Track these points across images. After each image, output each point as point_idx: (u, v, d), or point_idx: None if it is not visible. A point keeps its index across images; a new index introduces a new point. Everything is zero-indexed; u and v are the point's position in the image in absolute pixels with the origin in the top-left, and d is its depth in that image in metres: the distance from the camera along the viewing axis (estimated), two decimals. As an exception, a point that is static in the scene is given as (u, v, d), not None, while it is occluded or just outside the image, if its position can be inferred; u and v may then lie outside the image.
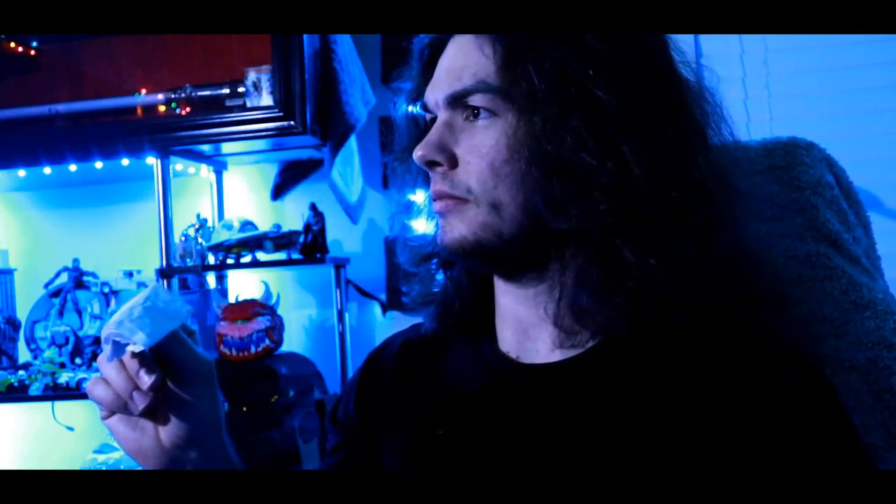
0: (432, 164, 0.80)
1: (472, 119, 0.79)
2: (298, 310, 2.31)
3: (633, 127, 0.75)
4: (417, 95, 0.88)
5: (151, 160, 2.06)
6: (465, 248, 0.79)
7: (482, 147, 0.78)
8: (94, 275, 2.31)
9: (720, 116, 0.81)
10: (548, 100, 0.75)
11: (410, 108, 0.90)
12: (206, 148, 2.15)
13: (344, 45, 2.05)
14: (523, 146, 0.76)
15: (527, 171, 0.76)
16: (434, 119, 0.83)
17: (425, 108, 0.84)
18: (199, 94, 2.18)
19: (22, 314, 2.38)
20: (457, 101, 0.80)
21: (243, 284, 2.29)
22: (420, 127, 0.89)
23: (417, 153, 0.80)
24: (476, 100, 0.78)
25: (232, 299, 2.20)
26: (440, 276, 0.91)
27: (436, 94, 0.82)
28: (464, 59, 0.80)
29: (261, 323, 2.03)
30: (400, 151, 0.92)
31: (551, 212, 0.76)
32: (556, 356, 0.80)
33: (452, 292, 0.88)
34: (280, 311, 2.10)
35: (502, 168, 0.77)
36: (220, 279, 2.31)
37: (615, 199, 0.74)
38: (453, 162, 0.79)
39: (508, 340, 0.85)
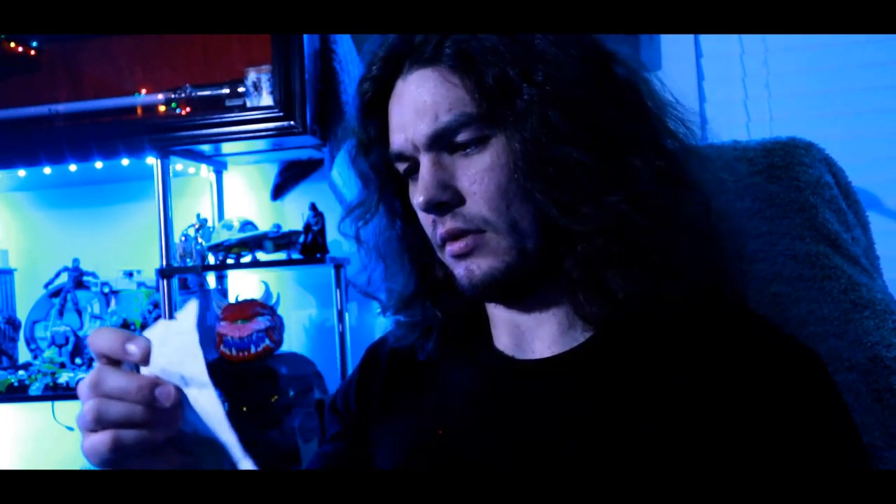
0: (440, 205, 0.78)
1: (461, 152, 0.78)
2: (298, 310, 2.31)
3: (609, 113, 0.76)
4: (371, 144, 0.85)
5: (151, 160, 2.06)
6: (497, 280, 0.78)
7: (484, 174, 0.77)
8: (94, 275, 2.31)
9: (669, 101, 0.82)
10: (528, 109, 0.75)
11: (363, 160, 0.87)
12: (206, 148, 2.15)
13: (344, 45, 2.04)
14: (521, 160, 0.76)
15: (532, 184, 0.76)
16: (410, 164, 0.81)
17: (398, 156, 0.81)
18: (199, 94, 2.17)
19: (22, 314, 2.38)
20: (439, 139, 0.78)
21: (243, 284, 2.29)
22: (382, 176, 0.86)
23: (420, 199, 0.78)
24: (464, 135, 0.77)
25: (232, 299, 2.20)
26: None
27: (411, 137, 0.79)
28: (431, 95, 0.77)
29: (261, 323, 2.03)
30: (361, 206, 0.89)
31: (566, 217, 0.75)
32: (552, 352, 0.81)
33: (448, 322, 0.87)
34: (280, 311, 2.10)
35: (509, 188, 0.76)
36: (220, 279, 2.31)
37: (625, 187, 0.74)
38: (459, 198, 0.78)
39: (504, 342, 0.85)
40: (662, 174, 0.76)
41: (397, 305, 0.90)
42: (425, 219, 0.81)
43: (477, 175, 0.77)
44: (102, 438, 0.64)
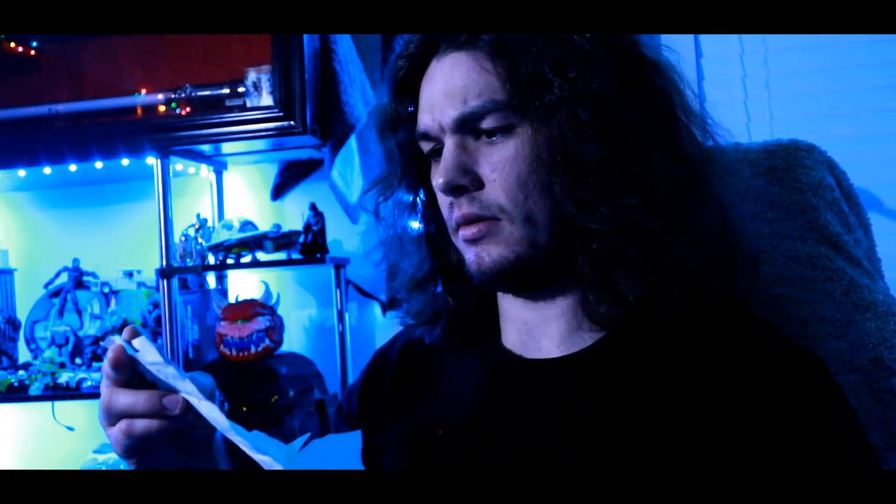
0: (458, 189, 0.78)
1: (486, 138, 0.78)
2: (298, 310, 2.31)
3: (636, 116, 0.76)
4: (399, 122, 0.86)
5: (151, 160, 2.06)
6: (505, 270, 0.78)
7: (505, 163, 0.77)
8: (94, 275, 2.31)
9: (698, 112, 0.82)
10: (558, 104, 0.75)
11: (390, 137, 0.87)
12: (206, 148, 2.15)
13: (344, 45, 2.04)
14: (544, 154, 0.76)
15: (552, 178, 0.76)
16: (435, 145, 0.81)
17: (423, 135, 0.82)
18: (199, 94, 2.17)
19: (22, 314, 2.38)
20: (466, 123, 0.78)
21: (243, 284, 2.29)
22: (407, 154, 0.86)
23: (440, 180, 0.78)
24: (490, 121, 0.77)
25: (232, 299, 2.20)
26: (430, 294, 0.89)
27: (439, 118, 0.79)
28: (462, 79, 0.78)
29: (261, 323, 2.03)
30: (383, 182, 0.90)
31: (583, 213, 0.75)
32: (560, 352, 0.81)
33: (458, 309, 0.87)
34: (280, 311, 2.10)
35: (529, 179, 0.77)
36: (220, 279, 2.31)
37: (642, 190, 0.75)
38: (478, 183, 0.78)
39: (512, 339, 0.85)
40: (683, 183, 0.77)
41: (409, 285, 0.90)
42: (443, 200, 0.82)
43: (499, 163, 0.77)
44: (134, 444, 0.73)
